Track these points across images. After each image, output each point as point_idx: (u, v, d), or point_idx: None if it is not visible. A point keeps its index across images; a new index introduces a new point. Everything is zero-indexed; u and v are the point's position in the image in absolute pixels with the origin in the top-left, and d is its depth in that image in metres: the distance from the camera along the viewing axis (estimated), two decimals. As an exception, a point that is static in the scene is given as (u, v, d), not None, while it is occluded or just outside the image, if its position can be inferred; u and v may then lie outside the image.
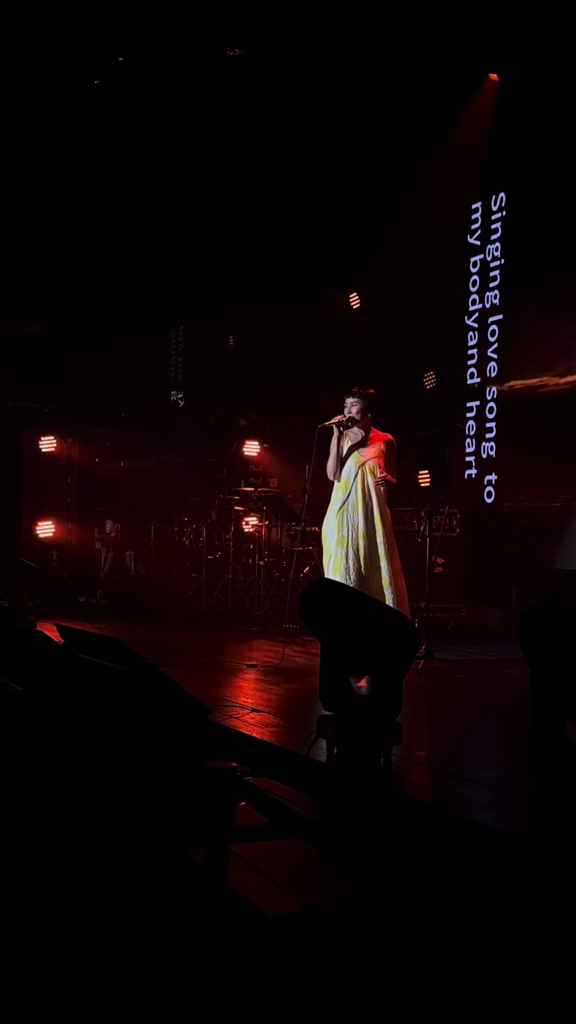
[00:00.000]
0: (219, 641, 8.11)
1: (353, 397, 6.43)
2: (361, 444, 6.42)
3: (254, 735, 4.31)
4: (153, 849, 2.67)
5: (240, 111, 10.09)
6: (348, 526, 6.30)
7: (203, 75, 9.66)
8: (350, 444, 6.43)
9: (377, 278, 11.04)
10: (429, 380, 10.80)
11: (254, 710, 4.89)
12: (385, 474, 6.30)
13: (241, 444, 11.45)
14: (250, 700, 5.22)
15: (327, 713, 3.90)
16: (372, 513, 6.30)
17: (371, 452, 6.37)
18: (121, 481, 12.58)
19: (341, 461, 6.40)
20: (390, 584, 6.15)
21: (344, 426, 6.38)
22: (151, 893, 2.60)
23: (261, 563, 10.02)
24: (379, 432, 6.47)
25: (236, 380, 13.32)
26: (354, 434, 6.41)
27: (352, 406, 6.39)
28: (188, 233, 11.64)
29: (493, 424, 9.95)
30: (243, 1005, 2.29)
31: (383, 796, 3.48)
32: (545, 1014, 2.33)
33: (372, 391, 6.55)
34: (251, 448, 11.42)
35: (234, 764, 2.38)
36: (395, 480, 6.44)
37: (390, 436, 6.49)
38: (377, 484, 6.28)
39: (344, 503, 6.36)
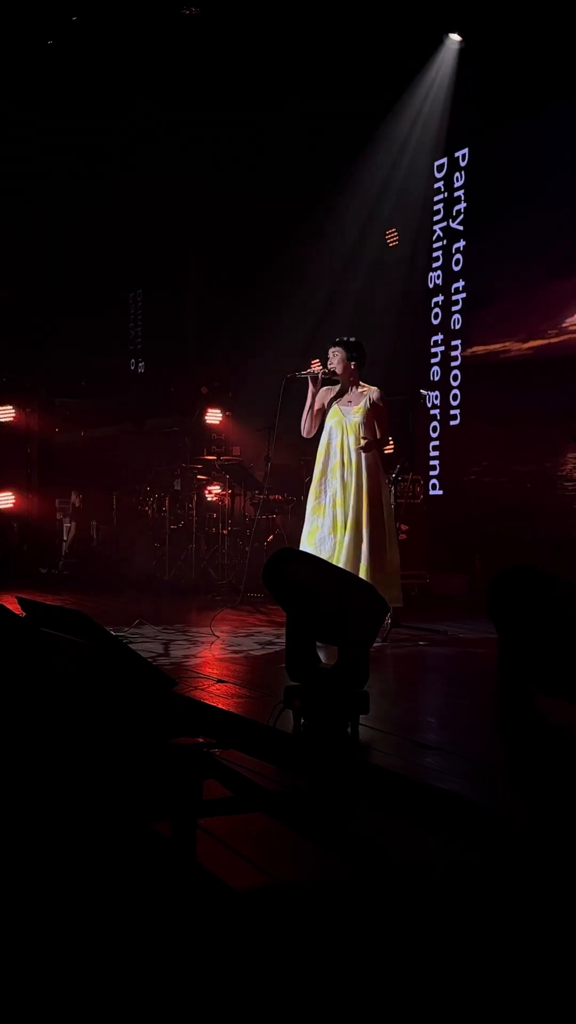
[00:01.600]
0: (183, 611, 8.06)
1: (335, 347, 5.91)
2: (345, 401, 5.88)
3: (220, 706, 4.27)
4: (120, 824, 2.62)
5: (197, 70, 9.89)
6: (327, 493, 5.80)
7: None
8: (332, 400, 5.89)
9: (339, 240, 10.94)
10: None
11: (220, 681, 4.85)
12: (368, 435, 5.75)
13: (203, 412, 11.36)
14: (216, 671, 5.17)
15: (293, 683, 3.87)
16: (355, 479, 5.75)
17: (355, 410, 5.83)
18: (82, 451, 12.46)
19: (321, 420, 5.87)
20: (368, 560, 5.66)
21: (322, 378, 5.85)
22: (118, 868, 2.56)
23: (225, 532, 9.98)
24: (367, 386, 5.90)
25: (197, 347, 13.18)
26: (329, 390, 5.84)
27: (333, 356, 5.88)
28: (144, 194, 11.43)
29: (457, 391, 9.93)
30: (212, 978, 2.26)
31: (350, 766, 3.45)
32: (520, 982, 2.32)
33: (356, 340, 5.96)
34: (213, 416, 11.34)
35: (200, 739, 2.33)
36: (385, 440, 5.94)
37: (378, 389, 5.90)
38: (359, 448, 5.72)
39: (324, 468, 5.85)
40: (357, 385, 5.87)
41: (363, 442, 5.75)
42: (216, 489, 10.45)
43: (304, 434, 5.98)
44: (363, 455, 5.74)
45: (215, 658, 5.69)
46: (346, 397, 5.89)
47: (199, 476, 10.48)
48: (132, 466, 11.64)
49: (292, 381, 5.98)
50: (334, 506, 5.74)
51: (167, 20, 9.00)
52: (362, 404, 5.82)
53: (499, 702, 2.80)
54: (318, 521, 5.81)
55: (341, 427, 5.81)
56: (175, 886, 2.31)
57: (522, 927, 2.45)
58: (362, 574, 5.58)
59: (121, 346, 14.75)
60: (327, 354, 5.96)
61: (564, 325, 8.70)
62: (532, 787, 2.61)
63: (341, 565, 5.55)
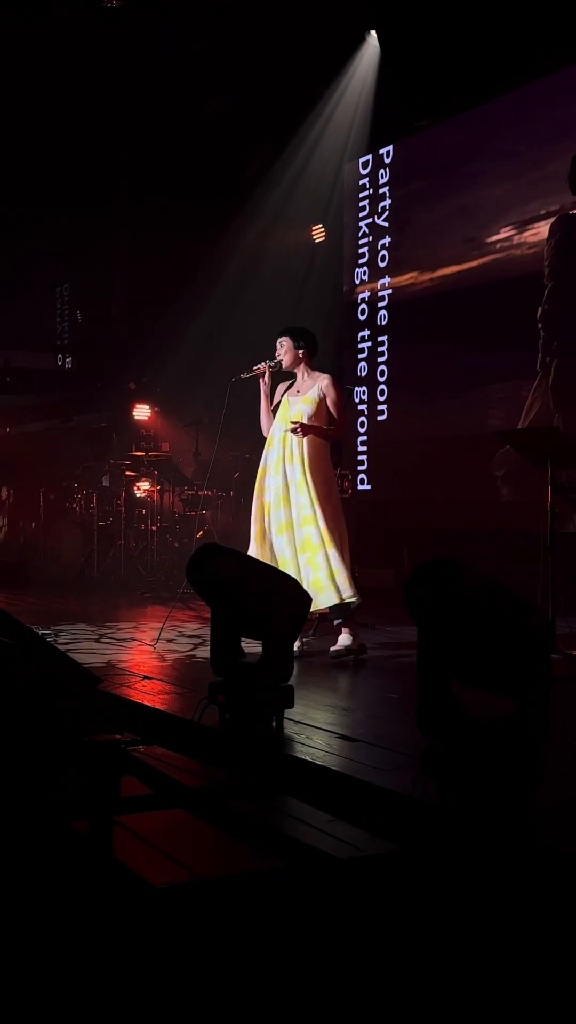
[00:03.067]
0: (111, 608, 8.01)
1: (281, 336, 5.64)
2: (294, 392, 5.61)
3: (145, 703, 4.26)
4: (38, 823, 2.61)
5: (122, 63, 9.80)
6: (270, 490, 5.51)
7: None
8: (284, 393, 5.63)
9: (265, 235, 10.96)
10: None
11: (146, 678, 4.84)
12: (320, 424, 5.42)
13: (131, 408, 11.29)
14: (142, 668, 5.16)
15: (218, 679, 3.87)
16: (299, 474, 5.44)
17: (303, 399, 5.55)
18: (8, 447, 12.30)
19: (273, 414, 5.60)
20: (312, 560, 5.32)
21: (269, 371, 5.58)
22: (36, 866, 2.55)
23: (154, 528, 9.94)
24: (318, 374, 5.61)
25: (125, 342, 13.10)
26: (288, 383, 5.57)
27: (280, 346, 5.62)
28: (70, 186, 11.32)
29: (384, 387, 10.00)
30: (132, 976, 2.26)
31: (275, 760, 3.47)
32: (434, 964, 2.36)
33: (303, 328, 5.67)
34: (141, 412, 11.28)
35: (118, 736, 2.33)
36: (342, 430, 5.56)
37: (329, 376, 5.61)
38: (286, 430, 5.40)
39: (267, 463, 5.56)
40: (308, 374, 5.62)
41: (294, 426, 5.42)
42: (145, 485, 10.41)
43: (264, 433, 5.68)
44: (305, 448, 5.44)
45: (142, 655, 5.67)
46: (295, 387, 5.64)
47: (127, 472, 10.43)
48: (60, 462, 11.54)
49: (238, 383, 5.70)
50: (279, 504, 5.46)
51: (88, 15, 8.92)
52: (310, 393, 5.54)
53: (417, 692, 2.84)
54: (263, 521, 5.54)
55: (285, 420, 5.53)
56: (92, 884, 2.30)
57: (442, 910, 2.49)
58: (314, 573, 5.34)
59: (48, 342, 14.59)
60: (275, 345, 5.69)
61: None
62: (448, 775, 2.66)
63: (288, 565, 5.36)
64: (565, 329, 8.11)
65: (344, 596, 5.36)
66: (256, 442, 6.54)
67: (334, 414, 5.54)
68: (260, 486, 5.60)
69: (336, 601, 5.34)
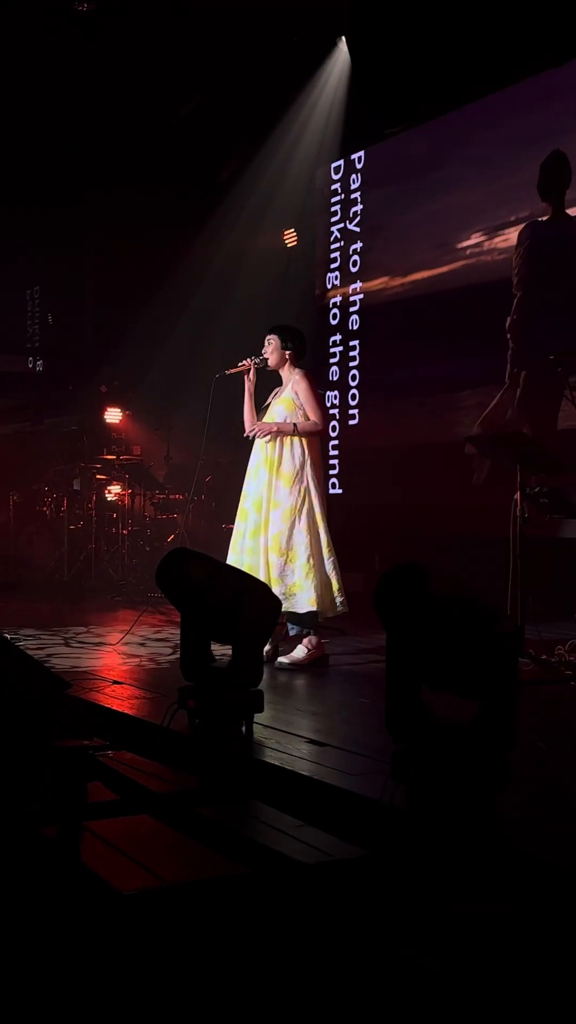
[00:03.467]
0: (82, 612, 7.97)
1: (270, 334, 5.51)
2: (277, 392, 5.51)
3: (115, 708, 4.25)
4: (6, 828, 2.59)
5: (93, 65, 9.77)
6: (250, 496, 5.43)
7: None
8: (275, 393, 5.52)
9: (237, 239, 10.96)
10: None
11: (116, 682, 4.82)
12: (268, 423, 5.30)
13: (103, 411, 11.25)
14: (112, 672, 5.14)
15: (188, 683, 3.87)
16: (271, 478, 5.36)
17: (280, 400, 5.44)
18: (-22, 450, 12.22)
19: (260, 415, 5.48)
20: (280, 562, 5.25)
21: (255, 368, 5.45)
22: (4, 872, 2.53)
23: (125, 532, 9.91)
24: (296, 371, 5.47)
25: (96, 345, 13.05)
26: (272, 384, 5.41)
27: (268, 344, 5.48)
28: (40, 191, 11.26)
29: (356, 391, 10.02)
30: (101, 982, 2.25)
31: (244, 764, 3.47)
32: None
33: (292, 326, 5.55)
34: (113, 415, 11.24)
35: (85, 742, 2.32)
36: (316, 427, 5.35)
37: (302, 371, 5.47)
38: (247, 432, 5.32)
39: (250, 467, 5.48)
40: (291, 374, 5.46)
41: (257, 429, 5.32)
42: (116, 489, 10.37)
43: (246, 432, 5.57)
44: (285, 453, 5.34)
45: (112, 659, 5.65)
46: (278, 389, 5.52)
47: (99, 476, 10.39)
48: (30, 466, 11.47)
49: (222, 379, 5.55)
50: (256, 508, 5.40)
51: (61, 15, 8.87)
52: (286, 394, 5.42)
53: (386, 696, 2.85)
54: (241, 526, 5.46)
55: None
56: (60, 890, 2.29)
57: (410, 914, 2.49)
58: (275, 579, 5.30)
59: (18, 344, 14.51)
60: (253, 346, 5.61)
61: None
62: (417, 779, 2.67)
63: (261, 571, 5.30)
64: (533, 339, 8.08)
65: (288, 607, 5.26)
66: (230, 444, 6.48)
67: (306, 408, 5.39)
68: (244, 491, 5.53)
69: (290, 609, 5.32)
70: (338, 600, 5.48)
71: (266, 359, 5.50)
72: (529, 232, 8.25)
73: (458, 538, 8.23)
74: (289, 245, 10.96)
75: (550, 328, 7.93)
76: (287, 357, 5.49)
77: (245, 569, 5.36)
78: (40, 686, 3.34)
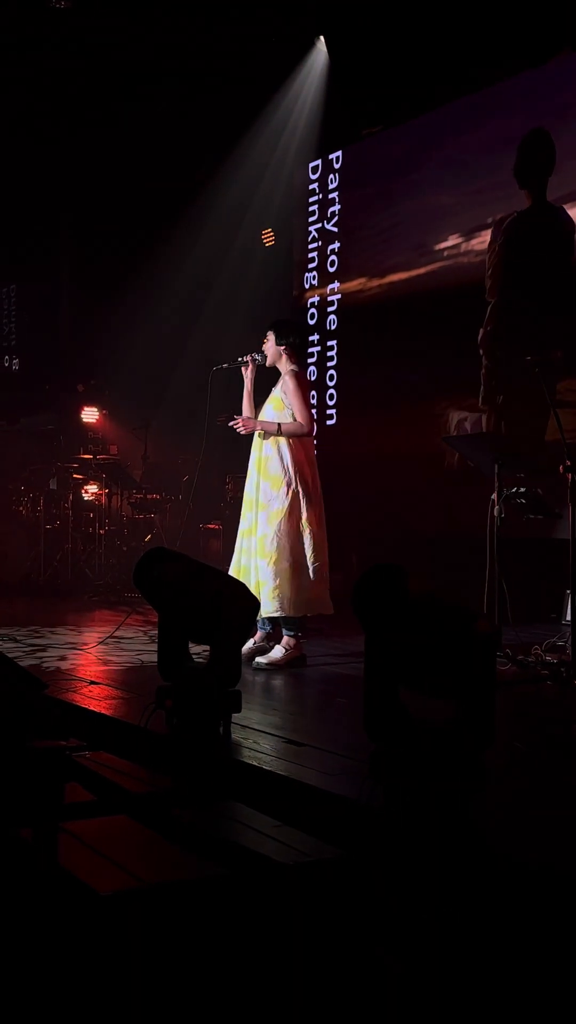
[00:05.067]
0: (58, 612, 7.93)
1: (269, 329, 5.47)
2: (276, 388, 5.43)
3: (92, 708, 4.23)
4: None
5: (68, 63, 9.72)
6: (246, 496, 5.42)
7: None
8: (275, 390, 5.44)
9: (214, 238, 10.95)
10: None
11: (93, 683, 4.80)
12: (252, 420, 5.26)
13: (79, 410, 11.20)
14: (89, 673, 5.12)
15: (166, 683, 3.86)
16: (260, 479, 5.32)
17: (271, 398, 5.40)
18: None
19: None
20: (274, 569, 5.22)
21: (252, 364, 5.42)
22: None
23: (102, 532, 9.88)
24: (288, 371, 5.41)
25: (72, 344, 12.99)
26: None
27: (266, 340, 5.45)
28: (15, 188, 11.18)
29: (334, 391, 10.03)
30: (79, 983, 2.24)
31: (221, 765, 3.46)
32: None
33: (290, 321, 5.52)
34: (90, 414, 11.19)
35: (63, 742, 2.31)
36: (302, 426, 5.27)
37: (292, 369, 5.40)
38: (249, 428, 5.25)
39: (248, 467, 5.45)
40: (286, 368, 5.41)
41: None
42: (92, 488, 10.33)
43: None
44: (272, 453, 5.30)
45: (90, 660, 5.62)
46: (276, 384, 5.47)
47: (75, 475, 10.34)
48: (6, 465, 11.39)
49: (219, 372, 5.49)
50: (250, 508, 5.39)
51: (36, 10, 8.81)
52: (276, 392, 5.39)
53: (364, 696, 2.85)
54: (242, 525, 5.44)
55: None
56: (37, 891, 2.28)
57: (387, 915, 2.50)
58: (260, 577, 5.29)
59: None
60: (235, 344, 5.74)
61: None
62: (393, 778, 2.67)
63: (252, 573, 5.30)
64: (512, 355, 7.42)
65: (264, 610, 5.22)
66: (215, 444, 6.38)
67: (292, 408, 5.33)
68: (246, 489, 5.51)
69: (264, 614, 5.31)
70: (315, 603, 5.44)
71: (265, 355, 5.46)
72: (505, 227, 7.94)
73: (436, 538, 8.27)
74: (267, 245, 10.95)
75: (528, 339, 7.51)
76: (282, 353, 5.43)
77: (240, 569, 5.42)
78: (16, 687, 3.32)
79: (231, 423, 5.47)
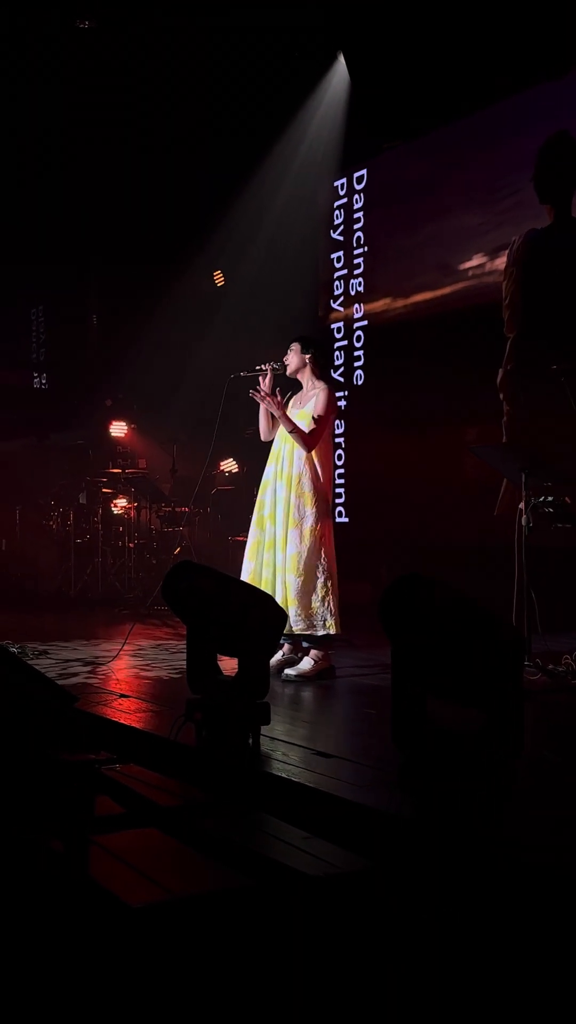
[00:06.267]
0: (89, 625, 7.98)
1: (294, 342, 5.48)
2: (296, 403, 5.45)
3: (122, 721, 4.25)
4: (12, 842, 2.60)
5: (94, 82, 9.84)
6: (268, 504, 5.42)
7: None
8: (294, 399, 5.47)
9: (239, 257, 11.00)
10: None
11: (123, 696, 4.82)
12: (279, 399, 5.21)
13: (108, 425, 11.28)
14: (119, 686, 5.15)
15: (195, 696, 3.87)
16: (282, 491, 5.33)
17: (300, 413, 5.38)
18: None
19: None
20: (298, 582, 5.22)
21: (272, 374, 5.37)
22: (12, 885, 2.53)
23: (131, 545, 9.93)
24: (321, 383, 5.43)
25: (100, 360, 13.10)
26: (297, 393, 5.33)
27: (290, 352, 5.45)
28: (44, 211, 11.33)
29: (360, 402, 10.01)
30: (111, 994, 2.25)
31: (250, 777, 3.47)
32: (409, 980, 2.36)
33: (314, 335, 5.48)
34: (118, 429, 11.27)
35: (92, 755, 2.33)
36: (311, 439, 5.27)
37: (326, 386, 5.41)
38: (262, 396, 5.21)
39: (266, 478, 5.46)
40: (313, 384, 5.41)
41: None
42: (122, 502, 10.40)
43: (262, 437, 5.54)
44: (304, 466, 5.30)
45: (120, 673, 5.65)
46: (298, 397, 5.48)
47: (104, 489, 10.41)
48: (36, 480, 11.50)
49: (237, 380, 5.48)
50: (273, 520, 5.38)
51: (62, 32, 8.93)
52: (307, 407, 5.37)
53: (392, 706, 2.85)
54: (259, 534, 5.44)
55: (282, 434, 5.39)
56: (68, 903, 2.29)
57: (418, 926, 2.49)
58: (291, 595, 5.29)
59: (23, 361, 14.59)
60: (250, 360, 5.57)
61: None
62: (422, 788, 2.67)
63: (278, 590, 5.30)
64: (536, 397, 6.64)
65: (296, 628, 5.25)
66: (239, 454, 6.36)
67: (315, 421, 5.33)
68: (259, 500, 5.52)
69: (297, 631, 5.31)
70: (302, 624, 5.37)
71: (285, 365, 5.46)
72: (520, 249, 7.30)
73: (465, 548, 8.22)
74: (218, 285, 11.00)
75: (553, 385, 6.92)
76: (307, 361, 5.44)
77: (263, 582, 5.42)
78: (46, 700, 3.35)
79: (258, 385, 5.36)
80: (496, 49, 7.68)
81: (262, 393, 5.39)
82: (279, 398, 5.36)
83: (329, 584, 5.34)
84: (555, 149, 6.85)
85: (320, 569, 5.33)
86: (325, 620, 5.32)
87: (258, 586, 5.36)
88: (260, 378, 5.51)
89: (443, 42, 8.06)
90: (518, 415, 7.34)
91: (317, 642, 5.42)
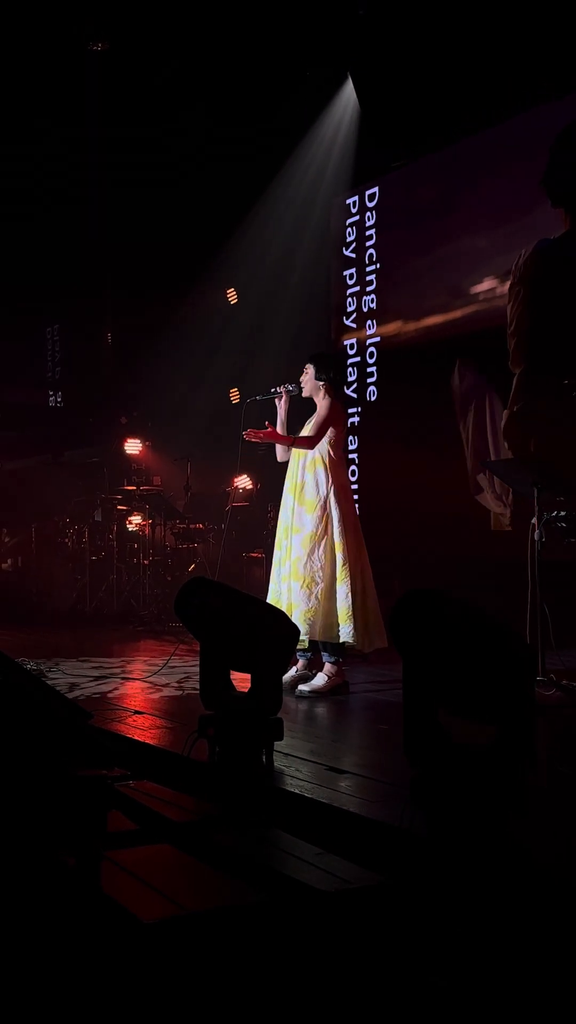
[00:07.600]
0: (104, 642, 8.00)
1: (308, 362, 5.50)
2: (312, 419, 5.47)
3: (136, 738, 4.26)
4: (25, 857, 2.61)
5: (108, 101, 9.94)
6: (281, 523, 5.48)
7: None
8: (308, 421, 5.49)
9: (254, 274, 11.05)
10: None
11: (137, 712, 4.83)
12: (261, 431, 5.27)
13: (122, 442, 11.32)
14: (133, 702, 5.16)
15: (208, 712, 3.88)
16: (298, 502, 5.36)
17: (305, 428, 5.45)
18: (-1, 484, 12.32)
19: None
20: (306, 592, 5.22)
21: (286, 395, 5.44)
22: (25, 900, 2.54)
23: (146, 562, 9.95)
24: (328, 399, 5.45)
25: (115, 378, 13.18)
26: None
27: (304, 372, 5.49)
28: (60, 230, 11.43)
29: (372, 419, 10.02)
30: (123, 1009, 2.25)
31: (264, 793, 3.47)
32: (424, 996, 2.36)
33: (329, 354, 5.56)
34: (133, 446, 11.30)
35: (106, 771, 2.34)
36: (307, 440, 5.30)
37: (333, 400, 5.43)
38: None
39: (284, 492, 5.51)
40: (325, 401, 5.44)
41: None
42: (136, 519, 10.42)
43: (278, 458, 5.59)
44: (307, 475, 5.34)
45: (134, 689, 5.67)
46: (315, 414, 5.50)
47: (119, 507, 10.44)
48: (51, 497, 11.55)
49: (253, 404, 5.54)
50: (285, 535, 5.43)
51: (73, 53, 9.03)
52: (310, 424, 5.42)
53: (404, 722, 2.85)
54: (277, 554, 5.47)
55: (293, 450, 5.45)
56: (81, 918, 2.30)
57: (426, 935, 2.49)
58: (293, 600, 5.32)
59: (39, 379, 14.69)
60: (269, 379, 5.72)
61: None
62: (435, 803, 2.67)
63: (283, 597, 5.34)
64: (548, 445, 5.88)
65: (305, 633, 5.26)
66: (252, 471, 6.38)
67: (312, 423, 5.39)
68: (281, 515, 5.55)
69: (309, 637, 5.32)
70: (345, 630, 5.35)
71: (301, 387, 5.49)
72: (532, 262, 6.90)
73: (481, 562, 8.21)
74: (232, 303, 11.05)
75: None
76: (320, 387, 5.46)
77: (279, 597, 5.45)
78: (60, 716, 3.36)
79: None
80: (501, 69, 7.69)
81: (251, 433, 5.42)
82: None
83: (328, 591, 5.28)
84: (567, 141, 6.28)
85: (320, 575, 5.30)
86: (324, 625, 5.30)
87: (277, 603, 5.39)
88: (276, 400, 5.55)
89: (448, 63, 8.08)
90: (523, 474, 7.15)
91: (326, 652, 5.41)
